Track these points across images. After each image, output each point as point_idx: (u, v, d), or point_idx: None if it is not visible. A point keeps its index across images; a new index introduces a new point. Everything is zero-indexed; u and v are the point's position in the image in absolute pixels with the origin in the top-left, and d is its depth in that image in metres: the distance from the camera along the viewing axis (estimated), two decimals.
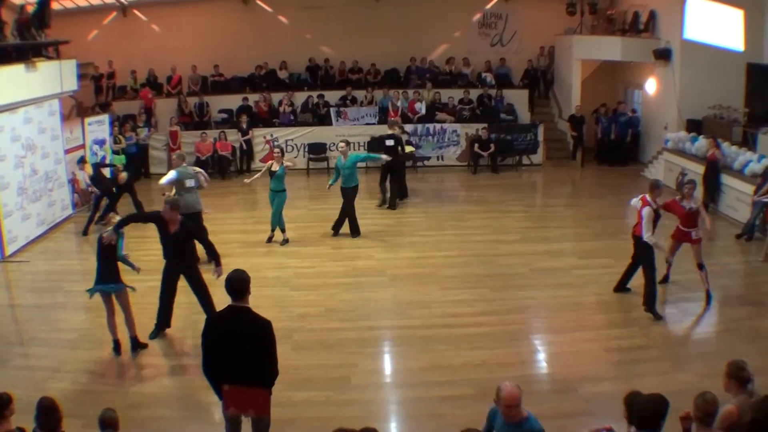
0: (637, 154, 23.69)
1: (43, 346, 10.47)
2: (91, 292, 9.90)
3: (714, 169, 17.30)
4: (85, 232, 16.06)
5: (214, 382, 6.67)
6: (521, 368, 9.66)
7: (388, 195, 17.85)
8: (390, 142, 17.82)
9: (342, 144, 15.76)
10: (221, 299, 6.61)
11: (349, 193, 15.47)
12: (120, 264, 10.08)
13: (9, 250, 14.58)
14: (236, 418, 6.80)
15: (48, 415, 5.94)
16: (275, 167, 14.81)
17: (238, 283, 6.52)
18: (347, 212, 15.54)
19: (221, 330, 6.55)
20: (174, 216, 10.20)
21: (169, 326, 10.76)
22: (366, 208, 17.05)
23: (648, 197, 10.92)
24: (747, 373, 5.90)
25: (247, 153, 22.39)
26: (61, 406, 6.05)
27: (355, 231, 15.56)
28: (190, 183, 13.47)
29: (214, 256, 10.32)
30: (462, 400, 8.68)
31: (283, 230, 15.17)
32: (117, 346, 10.04)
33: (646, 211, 10.77)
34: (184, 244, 10.41)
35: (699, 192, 17.56)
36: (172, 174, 13.50)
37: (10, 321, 11.67)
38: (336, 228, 15.62)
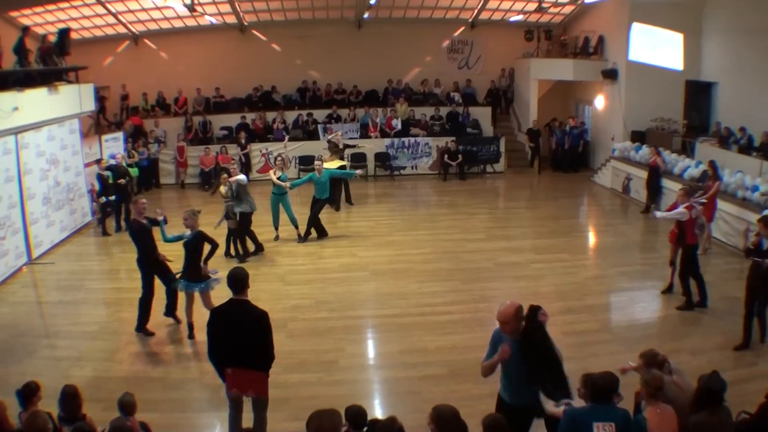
0: (587, 162, 23.81)
1: (67, 338, 10.43)
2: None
3: (656, 174, 17.45)
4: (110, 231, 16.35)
5: (218, 367, 6.69)
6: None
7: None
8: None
9: (317, 162, 15.69)
10: (223, 294, 6.60)
11: (320, 203, 15.39)
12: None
13: (36, 253, 14.51)
14: (238, 398, 6.81)
15: (70, 401, 5.92)
16: (278, 174, 14.89)
17: (238, 279, 6.54)
18: (312, 219, 15.42)
19: (224, 320, 6.55)
20: (140, 210, 10.37)
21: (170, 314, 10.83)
22: (351, 212, 17.05)
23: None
24: (661, 357, 5.93)
25: (246, 165, 22.27)
26: (82, 393, 6.04)
27: (322, 233, 15.55)
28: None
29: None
30: (436, 379, 8.71)
31: (277, 228, 15.28)
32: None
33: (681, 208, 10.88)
34: (135, 237, 10.36)
35: (642, 194, 17.87)
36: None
37: (37, 316, 11.60)
38: (306, 235, 15.47)
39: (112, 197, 16.41)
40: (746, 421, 5.46)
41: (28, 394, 5.99)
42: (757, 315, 9.46)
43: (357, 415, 5.28)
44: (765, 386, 5.66)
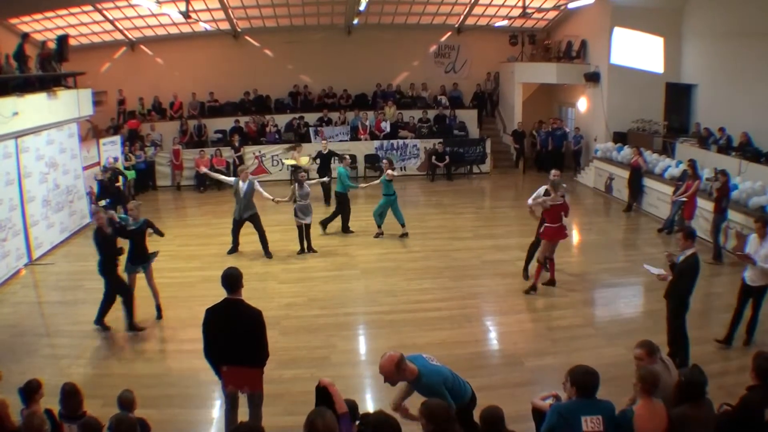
0: (573, 163, 23.78)
1: (67, 336, 10.40)
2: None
3: (637, 174, 17.54)
4: None
5: (214, 364, 6.66)
6: (475, 346, 9.71)
7: None
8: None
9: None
10: (218, 293, 6.58)
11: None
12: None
13: (36, 254, 14.46)
14: (234, 394, 6.81)
15: (70, 398, 5.90)
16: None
17: (232, 279, 6.52)
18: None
19: (219, 319, 6.53)
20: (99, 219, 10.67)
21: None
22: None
23: None
24: (655, 346, 5.89)
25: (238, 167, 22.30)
26: (83, 390, 6.01)
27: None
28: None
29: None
30: None
31: (403, 224, 15.57)
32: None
33: None
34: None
35: (624, 194, 17.96)
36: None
37: (38, 316, 11.53)
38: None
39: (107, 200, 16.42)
40: (728, 413, 5.46)
41: (30, 391, 5.97)
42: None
43: (350, 408, 5.35)
44: (745, 379, 5.67)
